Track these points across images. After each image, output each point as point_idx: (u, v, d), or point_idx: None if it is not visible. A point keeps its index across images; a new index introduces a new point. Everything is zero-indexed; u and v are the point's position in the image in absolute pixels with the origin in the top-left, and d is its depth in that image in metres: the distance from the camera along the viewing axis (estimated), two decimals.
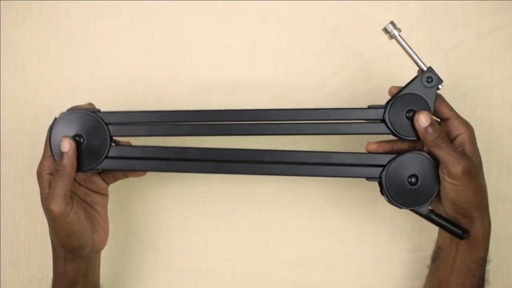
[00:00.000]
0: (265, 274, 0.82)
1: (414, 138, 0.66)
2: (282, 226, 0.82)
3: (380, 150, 0.68)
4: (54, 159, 0.66)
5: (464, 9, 0.80)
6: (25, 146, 0.81)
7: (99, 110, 0.67)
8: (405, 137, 0.66)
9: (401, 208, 0.66)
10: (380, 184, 0.67)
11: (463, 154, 0.65)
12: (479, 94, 0.80)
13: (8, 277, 0.81)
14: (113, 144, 0.67)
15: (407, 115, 0.66)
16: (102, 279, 0.74)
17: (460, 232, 0.66)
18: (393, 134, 0.66)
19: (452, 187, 0.64)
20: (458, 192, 0.64)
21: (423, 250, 0.79)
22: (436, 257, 0.71)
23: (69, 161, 0.65)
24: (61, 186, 0.64)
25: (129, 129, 0.66)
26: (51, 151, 0.66)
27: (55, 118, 0.65)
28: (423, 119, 0.64)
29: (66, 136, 0.65)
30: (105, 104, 0.79)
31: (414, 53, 0.66)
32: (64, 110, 0.67)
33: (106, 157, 0.66)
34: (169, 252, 0.81)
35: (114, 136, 0.67)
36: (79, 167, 0.66)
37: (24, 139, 0.81)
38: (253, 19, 0.81)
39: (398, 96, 0.66)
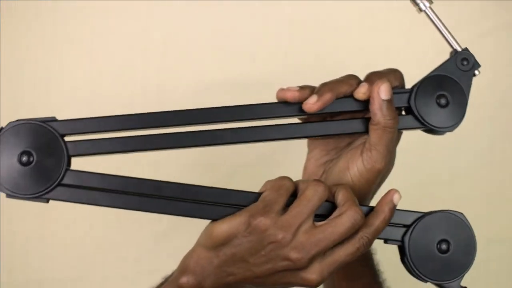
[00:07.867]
0: None
1: (449, 130, 0.53)
2: None
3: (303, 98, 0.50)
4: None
5: (465, 9, 0.80)
6: None
7: (55, 119, 0.50)
8: (438, 129, 0.53)
9: (426, 281, 0.53)
10: (402, 249, 0.53)
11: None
12: (481, 94, 0.80)
13: (7, 279, 0.81)
14: (69, 167, 0.49)
15: (438, 101, 0.53)
16: None
17: None
18: (423, 125, 0.53)
19: (358, 174, 0.53)
20: (359, 183, 0.53)
21: None
22: None
23: None
24: None
25: (92, 145, 0.49)
26: None
27: (1, 129, 0.50)
28: (384, 90, 0.49)
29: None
30: (104, 104, 0.80)
31: (447, 30, 0.54)
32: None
33: (60, 183, 0.48)
34: None
35: (74, 155, 0.49)
36: (21, 192, 0.48)
37: None
38: (253, 19, 0.81)
39: (427, 78, 0.53)
